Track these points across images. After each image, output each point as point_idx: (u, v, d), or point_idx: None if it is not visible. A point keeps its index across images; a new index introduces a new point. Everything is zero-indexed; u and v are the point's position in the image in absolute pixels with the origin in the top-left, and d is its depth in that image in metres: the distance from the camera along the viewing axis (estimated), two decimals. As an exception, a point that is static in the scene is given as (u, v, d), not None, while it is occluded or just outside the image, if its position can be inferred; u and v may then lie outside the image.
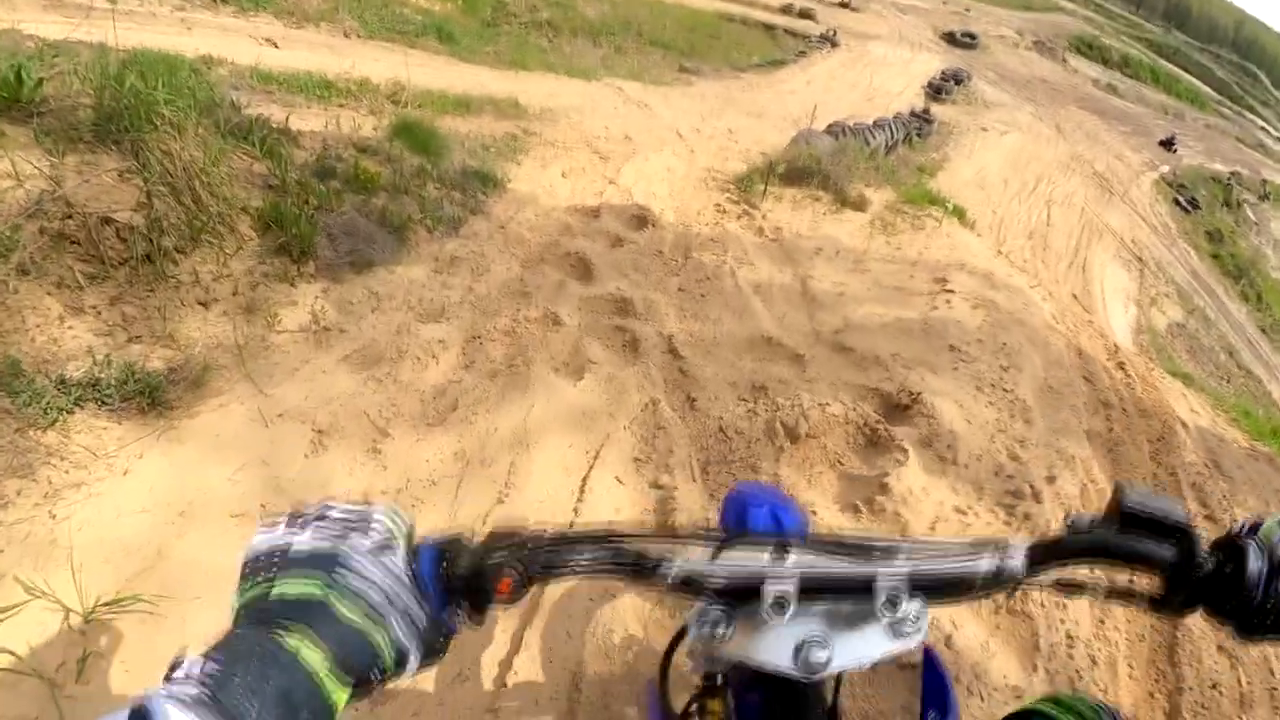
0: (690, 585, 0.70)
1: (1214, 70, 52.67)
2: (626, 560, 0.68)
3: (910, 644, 0.73)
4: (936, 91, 20.40)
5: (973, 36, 29.30)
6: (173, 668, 0.49)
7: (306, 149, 4.69)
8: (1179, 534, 0.69)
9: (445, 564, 0.63)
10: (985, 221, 14.33)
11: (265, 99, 5.86)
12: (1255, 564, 0.68)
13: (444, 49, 10.75)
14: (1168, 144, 27.25)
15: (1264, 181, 29.63)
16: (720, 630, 0.73)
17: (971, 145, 18.41)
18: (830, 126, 10.90)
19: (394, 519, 0.64)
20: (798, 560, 0.72)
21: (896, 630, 0.73)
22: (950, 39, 29.13)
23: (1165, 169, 25.20)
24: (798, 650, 0.71)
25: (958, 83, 21.79)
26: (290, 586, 0.55)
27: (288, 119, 4.84)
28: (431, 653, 0.61)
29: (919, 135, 16.10)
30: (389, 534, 0.61)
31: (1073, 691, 1.06)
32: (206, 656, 0.49)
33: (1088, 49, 40.84)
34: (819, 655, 0.70)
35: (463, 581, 0.63)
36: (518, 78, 10.33)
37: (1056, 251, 15.55)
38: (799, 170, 7.44)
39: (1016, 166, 19.06)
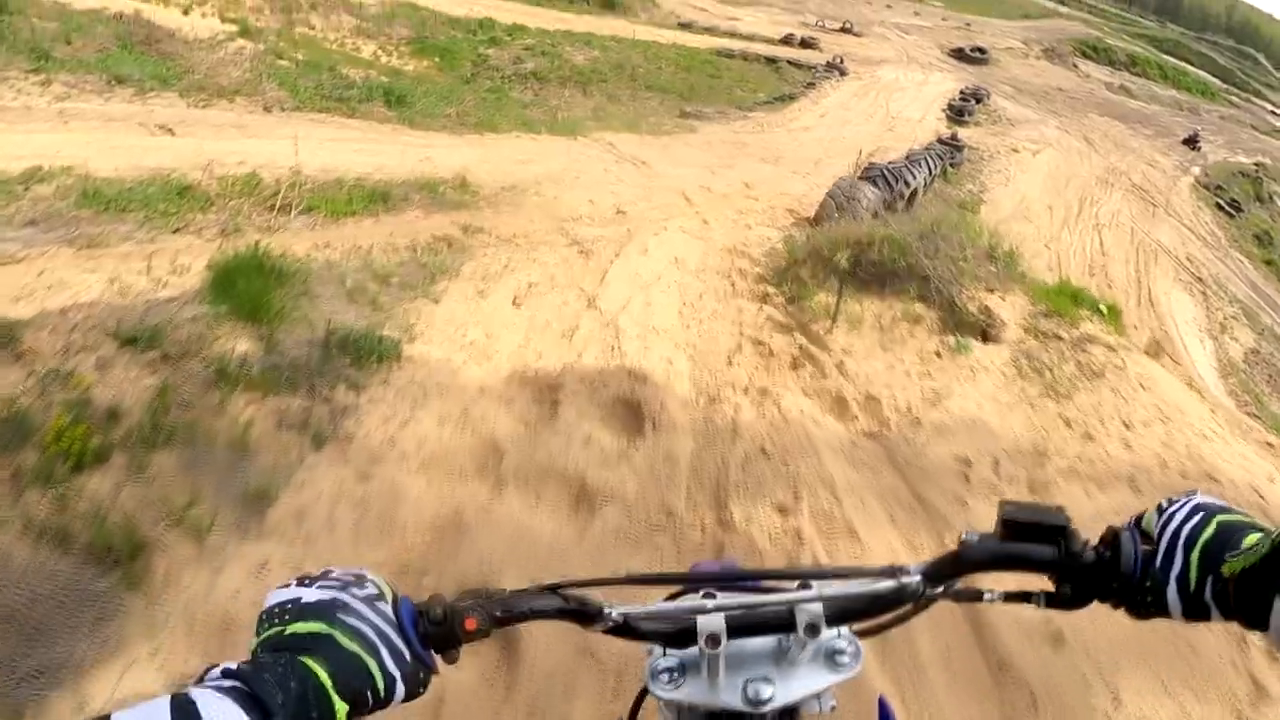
0: (629, 629, 0.77)
1: (1216, 59, 50.44)
2: (572, 607, 0.76)
3: (848, 674, 0.78)
4: (958, 113, 18.21)
5: (982, 51, 27.14)
6: (203, 674, 0.57)
7: (28, 361, 2.52)
8: (1058, 534, 0.71)
9: (423, 613, 0.70)
10: (1043, 261, 12.08)
11: (63, 235, 3.73)
12: (1129, 549, 0.70)
13: (391, 115, 8.69)
14: (1191, 142, 25.45)
15: None
16: (675, 678, 0.79)
17: (1006, 170, 16.28)
18: (867, 170, 8.68)
19: (382, 579, 0.71)
20: (723, 601, 0.79)
21: (833, 663, 0.78)
22: (959, 55, 26.99)
23: (1196, 170, 23.33)
24: (745, 688, 0.76)
25: (978, 101, 19.65)
26: (302, 626, 0.63)
27: None
28: (414, 686, 0.67)
29: (952, 165, 13.92)
30: (379, 589, 0.69)
31: None
32: (235, 666, 0.57)
33: (1093, 51, 38.89)
34: (764, 691, 0.76)
35: (436, 626, 0.69)
36: (481, 144, 8.23)
37: (1120, 285, 13.29)
38: (877, 265, 5.02)
39: (1056, 188, 16.99)
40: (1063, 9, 52.38)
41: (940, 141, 13.99)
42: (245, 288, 3.30)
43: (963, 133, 16.85)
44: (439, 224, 5.29)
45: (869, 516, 2.96)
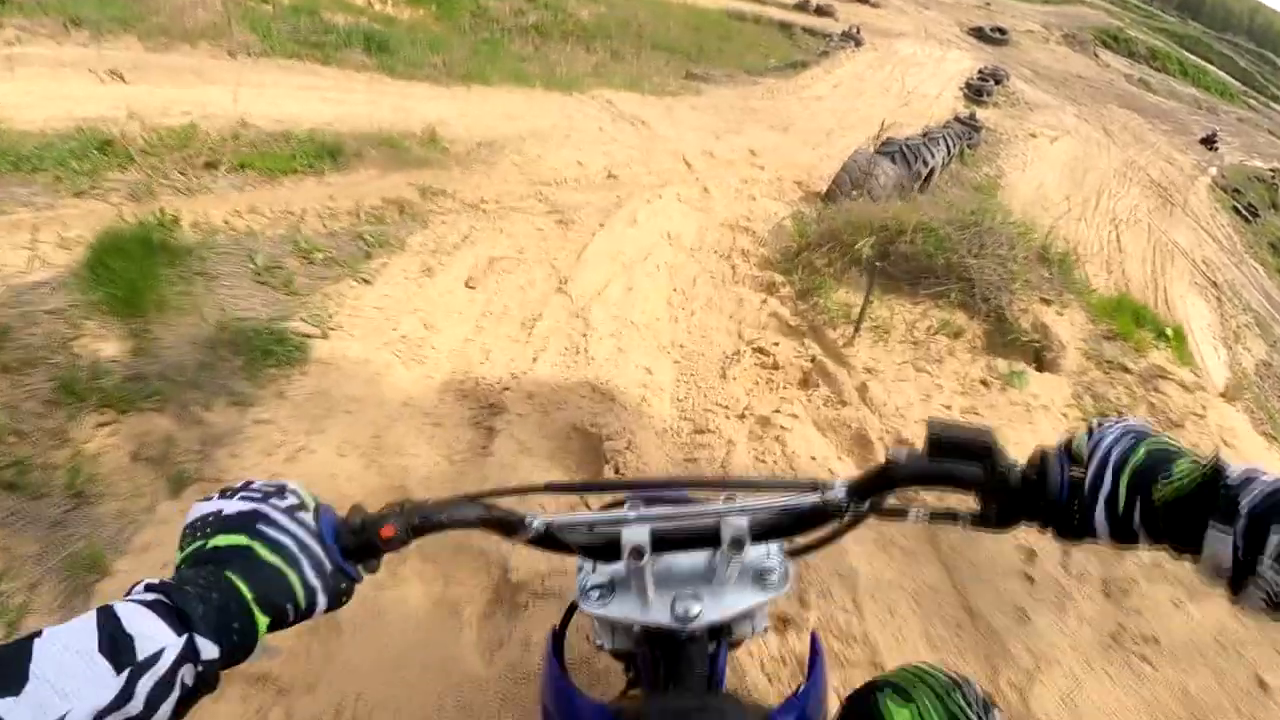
0: (552, 540, 0.76)
1: (1237, 60, 49.23)
2: (493, 516, 0.75)
3: (776, 593, 0.80)
4: (977, 93, 17.30)
5: (1003, 32, 26.04)
6: (130, 589, 0.57)
7: None
8: (984, 454, 0.71)
9: (343, 524, 0.70)
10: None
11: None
12: (1056, 470, 0.69)
13: (370, 63, 7.81)
14: (1209, 141, 24.51)
15: None
16: (604, 595, 0.79)
17: (1024, 155, 15.46)
18: (885, 145, 7.89)
19: (303, 489, 0.72)
20: (647, 512, 0.78)
21: (762, 582, 0.79)
22: (979, 34, 25.88)
23: (1214, 170, 22.43)
24: (674, 605, 0.77)
25: (997, 82, 18.70)
26: (223, 539, 0.63)
27: None
28: (336, 596, 0.67)
29: (969, 146, 13.08)
30: (300, 500, 0.70)
31: (927, 663, 0.86)
32: (158, 580, 0.58)
33: (1114, 41, 37.81)
34: (692, 607, 0.77)
35: (355, 535, 0.69)
36: (466, 96, 7.39)
37: (1137, 286, 12.54)
38: (909, 260, 4.18)
39: (1074, 178, 16.20)
40: (1082, -5, 50.96)
41: (959, 121, 13.14)
42: (125, 270, 2.53)
43: (980, 114, 15.97)
44: (393, 185, 4.51)
45: (899, 635, 2.25)
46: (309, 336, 2.78)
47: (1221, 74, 43.97)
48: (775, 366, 3.38)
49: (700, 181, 6.36)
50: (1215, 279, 15.28)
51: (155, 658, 0.52)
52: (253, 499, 0.66)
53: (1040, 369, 3.80)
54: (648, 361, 3.13)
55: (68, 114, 4.61)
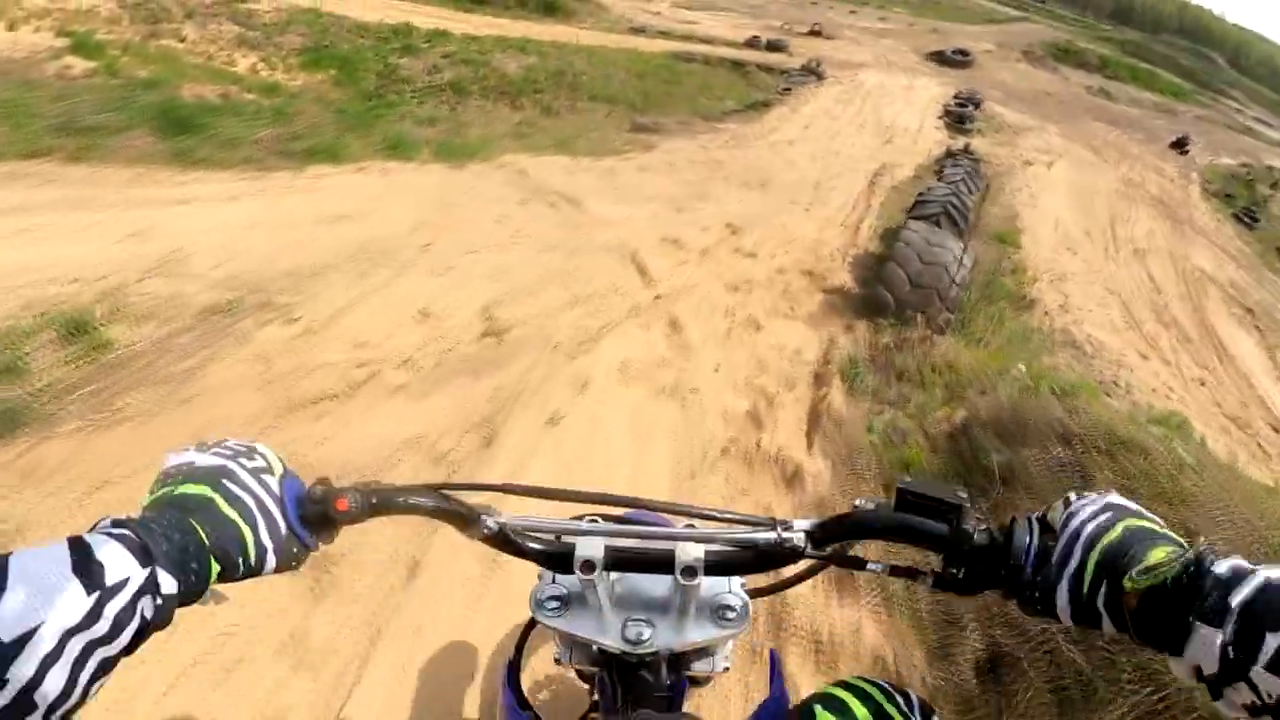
0: (505, 540, 0.75)
1: (1179, 60, 49.63)
2: (449, 508, 0.73)
3: (731, 632, 0.75)
4: (959, 120, 15.23)
5: (965, 54, 24.35)
6: (95, 524, 0.58)
7: None
8: (952, 513, 0.67)
9: (304, 494, 0.70)
10: (1113, 313, 8.94)
11: None
12: (1021, 537, 0.66)
13: (160, 150, 5.22)
14: (1179, 145, 23.98)
15: (1270, 169, 26.90)
16: (558, 608, 0.76)
17: (1028, 187, 13.37)
18: (921, 205, 5.38)
19: (273, 454, 0.72)
20: (602, 527, 0.76)
21: (720, 618, 0.76)
22: (940, 59, 24.16)
23: (1196, 175, 21.44)
24: (625, 627, 0.74)
25: (976, 106, 16.66)
26: (189, 488, 0.65)
27: None
28: (286, 560, 0.68)
29: (979, 188, 10.77)
30: (267, 464, 0.70)
31: (867, 677, 0.83)
32: (125, 517, 0.58)
33: (1064, 55, 37.07)
34: (644, 632, 0.74)
35: (314, 505, 0.69)
36: (284, 188, 4.83)
37: (1194, 336, 10.29)
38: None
39: (1082, 206, 14.25)
40: (1013, 12, 50.89)
41: (964, 154, 10.86)
42: None
43: (964, 142, 13.82)
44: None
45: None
46: None
47: (1170, 76, 43.64)
48: None
49: (665, 310, 3.80)
50: (1247, 303, 13.61)
51: (122, 584, 0.53)
52: (223, 455, 0.68)
53: None
54: None
55: None
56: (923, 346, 3.57)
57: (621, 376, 3.02)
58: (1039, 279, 7.94)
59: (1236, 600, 0.52)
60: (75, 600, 0.50)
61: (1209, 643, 0.52)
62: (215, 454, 0.68)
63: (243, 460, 0.68)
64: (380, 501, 0.70)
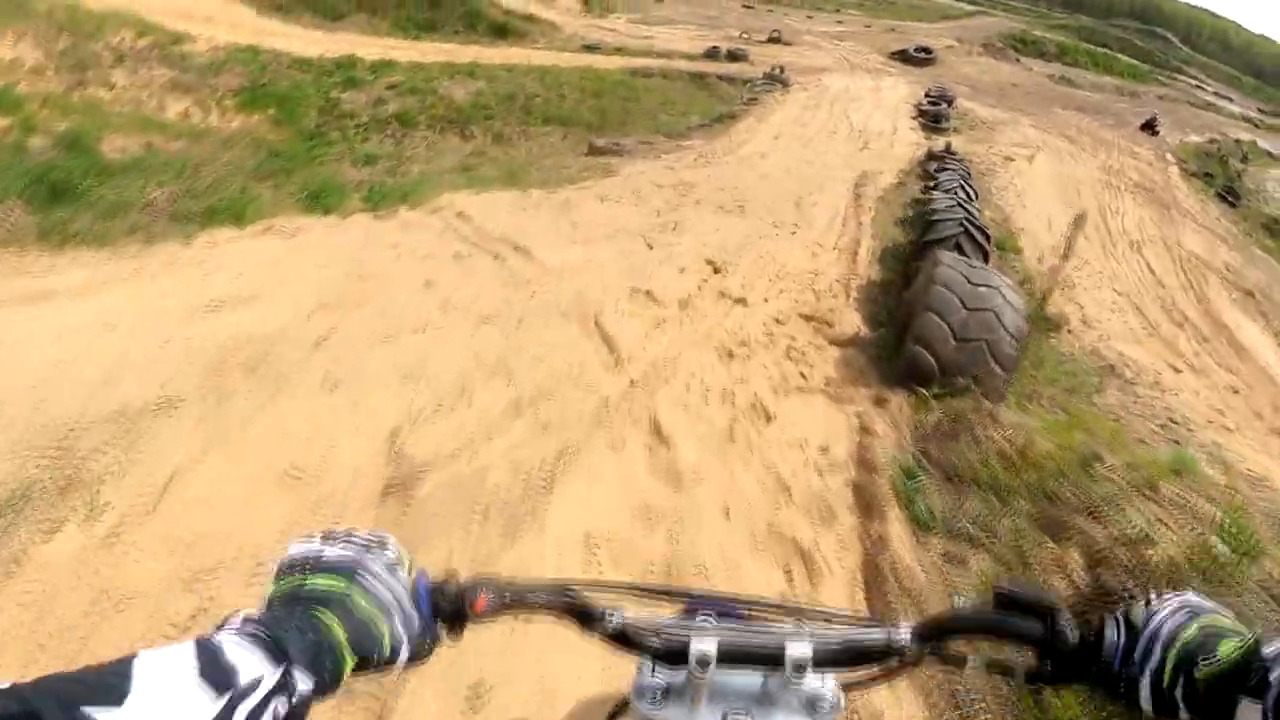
0: (625, 638, 0.73)
1: (1135, 42, 50.05)
2: (577, 607, 0.73)
3: None
4: (934, 120, 14.57)
5: (928, 51, 23.88)
6: (224, 621, 0.56)
7: None
8: (1047, 614, 0.69)
9: (437, 588, 0.69)
10: (1131, 319, 8.20)
11: None
12: (1113, 637, 0.67)
13: (23, 226, 4.23)
14: (1149, 126, 23.94)
15: (1238, 142, 27.58)
16: (658, 699, 0.75)
17: (1012, 184, 12.71)
18: (931, 222, 4.53)
19: (402, 549, 0.70)
20: (720, 626, 0.75)
21: (813, 709, 0.74)
22: (904, 58, 23.62)
23: (1171, 156, 21.16)
24: (723, 719, 0.73)
25: (949, 103, 16.03)
26: (321, 581, 0.63)
27: None
28: (419, 653, 0.67)
29: (974, 194, 10.04)
30: (398, 557, 0.69)
31: None
32: (256, 614, 0.57)
33: (1023, 45, 37.05)
34: None
35: (448, 601, 0.69)
36: (164, 264, 3.90)
37: (1209, 334, 9.59)
38: None
39: (1070, 201, 13.71)
40: (968, 6, 50.88)
41: (948, 155, 10.12)
42: None
43: (945, 142, 13.12)
44: None
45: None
46: None
47: (1127, 59, 43.95)
48: None
49: (642, 407, 2.89)
50: (1244, 286, 13.15)
51: (254, 685, 0.51)
52: (354, 548, 0.67)
53: None
54: None
55: None
56: (982, 425, 2.69)
57: (585, 568, 2.10)
58: (1051, 291, 7.16)
59: (1276, 673, 0.55)
60: (202, 705, 0.48)
61: (1250, 713, 0.55)
62: (345, 546, 0.67)
63: (375, 555, 0.67)
64: (514, 599, 0.71)
